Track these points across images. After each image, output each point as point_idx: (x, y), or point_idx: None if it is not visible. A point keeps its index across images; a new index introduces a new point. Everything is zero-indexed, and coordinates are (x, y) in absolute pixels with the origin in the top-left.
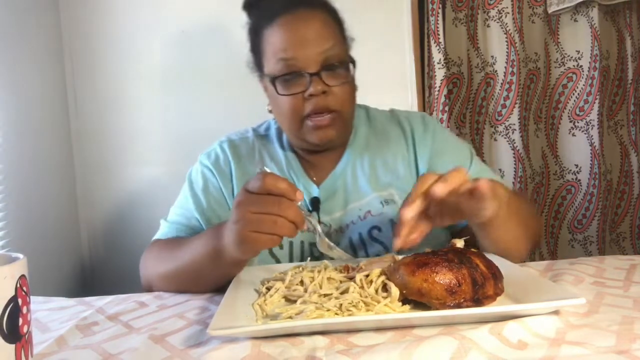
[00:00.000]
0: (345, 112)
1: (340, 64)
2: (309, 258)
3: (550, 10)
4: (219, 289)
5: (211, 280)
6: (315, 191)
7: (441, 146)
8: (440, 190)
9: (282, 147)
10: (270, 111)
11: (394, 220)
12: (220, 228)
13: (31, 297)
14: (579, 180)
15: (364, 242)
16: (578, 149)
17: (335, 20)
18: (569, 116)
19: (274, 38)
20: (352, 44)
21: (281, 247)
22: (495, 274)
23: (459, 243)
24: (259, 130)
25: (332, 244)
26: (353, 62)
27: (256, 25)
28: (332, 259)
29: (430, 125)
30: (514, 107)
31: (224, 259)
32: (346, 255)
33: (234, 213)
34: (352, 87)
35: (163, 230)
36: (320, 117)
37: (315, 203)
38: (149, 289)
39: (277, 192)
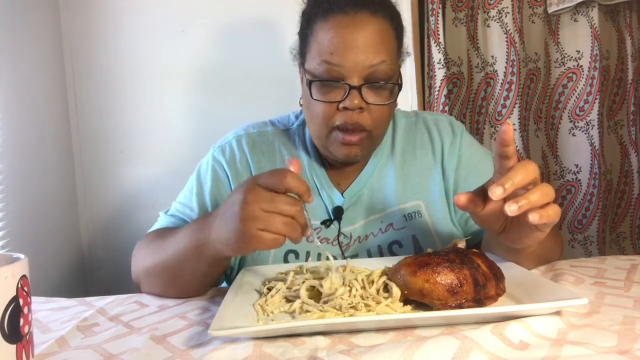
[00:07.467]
0: (377, 133)
1: (385, 82)
2: (309, 259)
3: (550, 10)
4: (202, 293)
5: (189, 277)
6: (339, 199)
7: (468, 156)
8: (537, 220)
9: (304, 147)
10: (301, 105)
11: (416, 236)
12: (207, 220)
13: (32, 297)
14: (579, 180)
15: (383, 256)
16: (578, 149)
17: (395, 30)
18: (569, 116)
19: (324, 37)
20: (406, 59)
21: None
22: (497, 274)
23: (461, 243)
24: (279, 126)
25: (323, 250)
26: (400, 84)
27: (310, 12)
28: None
29: (458, 134)
30: (514, 107)
31: (206, 253)
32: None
33: (241, 209)
34: (391, 108)
35: (160, 223)
36: (350, 135)
37: (338, 212)
38: (138, 285)
39: (297, 192)
